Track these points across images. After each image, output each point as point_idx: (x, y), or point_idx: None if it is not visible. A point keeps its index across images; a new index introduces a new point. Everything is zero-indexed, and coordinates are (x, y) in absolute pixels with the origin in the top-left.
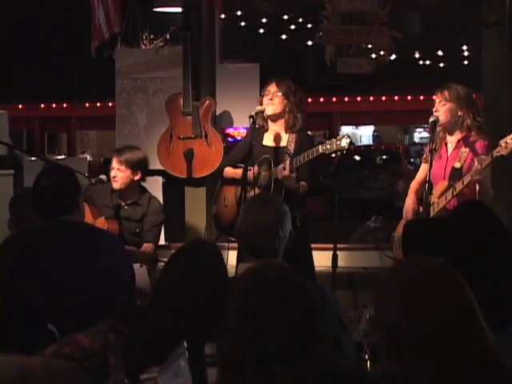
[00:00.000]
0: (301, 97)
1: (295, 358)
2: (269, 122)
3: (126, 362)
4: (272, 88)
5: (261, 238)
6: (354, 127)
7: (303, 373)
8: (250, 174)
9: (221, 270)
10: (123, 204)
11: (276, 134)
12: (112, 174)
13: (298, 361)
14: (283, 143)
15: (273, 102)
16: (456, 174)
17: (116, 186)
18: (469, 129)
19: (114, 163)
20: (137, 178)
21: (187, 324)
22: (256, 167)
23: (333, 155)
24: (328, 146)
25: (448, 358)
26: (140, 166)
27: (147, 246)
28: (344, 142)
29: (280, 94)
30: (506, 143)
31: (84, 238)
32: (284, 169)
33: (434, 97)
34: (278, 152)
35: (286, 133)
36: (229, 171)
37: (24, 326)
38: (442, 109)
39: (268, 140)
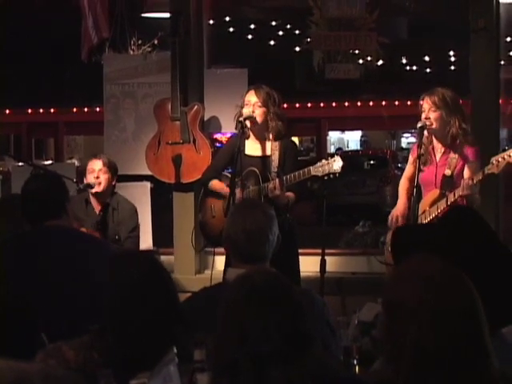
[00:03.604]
0: (279, 103)
1: (289, 361)
2: (250, 131)
3: (114, 370)
4: (252, 98)
5: (251, 242)
6: (341, 132)
7: (297, 375)
8: (238, 193)
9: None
10: (98, 212)
11: (259, 143)
12: (94, 175)
13: (292, 363)
14: (267, 152)
15: (254, 113)
16: (447, 182)
17: (99, 188)
18: (453, 137)
19: (98, 165)
20: (113, 183)
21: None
22: (238, 194)
23: (325, 178)
24: (320, 169)
25: (449, 372)
26: (116, 172)
27: None
28: (336, 166)
29: (260, 103)
30: (498, 161)
31: (72, 242)
32: (275, 188)
33: (421, 101)
34: (263, 162)
35: (268, 140)
36: (216, 185)
37: (21, 330)
38: (432, 115)
39: (251, 149)
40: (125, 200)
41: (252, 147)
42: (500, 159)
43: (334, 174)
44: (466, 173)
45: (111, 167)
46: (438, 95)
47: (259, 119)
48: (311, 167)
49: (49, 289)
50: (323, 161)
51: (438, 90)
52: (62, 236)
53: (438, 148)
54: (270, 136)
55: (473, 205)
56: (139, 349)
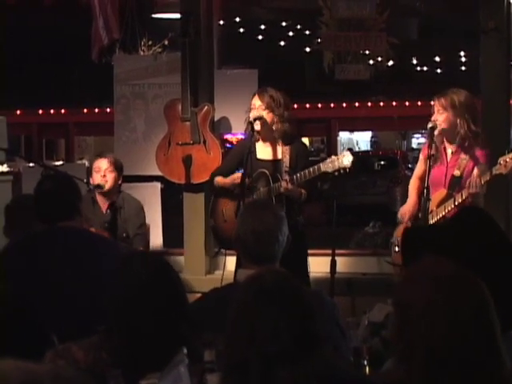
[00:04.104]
0: (286, 104)
1: (297, 361)
2: (259, 134)
3: (123, 370)
4: (256, 101)
5: (260, 243)
6: (350, 132)
7: (304, 375)
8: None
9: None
10: (105, 211)
11: (270, 146)
12: (101, 174)
13: (300, 363)
14: (278, 155)
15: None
16: (455, 182)
17: (106, 186)
18: (462, 139)
19: (104, 164)
20: (119, 182)
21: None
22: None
23: (335, 174)
24: (330, 165)
25: (460, 372)
26: (122, 171)
27: None
28: (346, 161)
29: (264, 107)
30: (506, 162)
31: (84, 243)
32: (287, 184)
33: (432, 102)
34: (274, 166)
35: (278, 144)
36: (219, 180)
37: (24, 330)
38: (440, 117)
39: (262, 153)
40: (131, 197)
41: (263, 151)
42: (508, 159)
43: (345, 169)
44: (475, 175)
45: (117, 166)
46: (446, 97)
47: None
48: (321, 164)
49: (57, 289)
50: (333, 157)
51: (448, 92)
52: (74, 237)
53: (449, 148)
54: (278, 137)
55: (477, 205)
56: (147, 349)
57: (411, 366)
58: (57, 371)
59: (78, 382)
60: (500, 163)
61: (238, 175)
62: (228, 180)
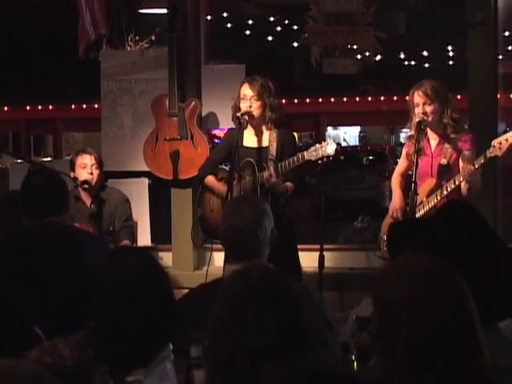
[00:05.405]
0: (275, 91)
1: (284, 356)
2: (248, 123)
3: (109, 367)
4: (247, 92)
5: (239, 239)
6: (337, 127)
7: (292, 370)
8: (236, 185)
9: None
10: (89, 206)
11: (256, 134)
12: (87, 170)
13: (287, 358)
14: (265, 143)
15: (251, 107)
16: (443, 171)
17: (93, 182)
18: (446, 127)
19: (90, 161)
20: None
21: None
22: (236, 186)
23: (319, 161)
24: (314, 153)
25: (440, 368)
26: (103, 166)
27: (125, 244)
28: (330, 149)
29: (256, 97)
30: (500, 143)
31: (73, 239)
32: (270, 176)
33: (412, 95)
34: (260, 153)
35: (267, 130)
36: (210, 182)
37: (9, 327)
38: (428, 108)
39: (249, 140)
40: (115, 190)
41: (250, 139)
42: (502, 141)
43: (328, 157)
44: (462, 162)
45: (101, 162)
46: (428, 87)
47: (256, 112)
48: (305, 152)
49: (44, 285)
50: (317, 145)
51: (426, 82)
52: (63, 233)
53: (433, 139)
54: (269, 125)
55: (475, 189)
56: (134, 345)
57: (392, 361)
58: (10, 365)
59: (31, 380)
60: (494, 146)
61: (225, 189)
62: (217, 188)
